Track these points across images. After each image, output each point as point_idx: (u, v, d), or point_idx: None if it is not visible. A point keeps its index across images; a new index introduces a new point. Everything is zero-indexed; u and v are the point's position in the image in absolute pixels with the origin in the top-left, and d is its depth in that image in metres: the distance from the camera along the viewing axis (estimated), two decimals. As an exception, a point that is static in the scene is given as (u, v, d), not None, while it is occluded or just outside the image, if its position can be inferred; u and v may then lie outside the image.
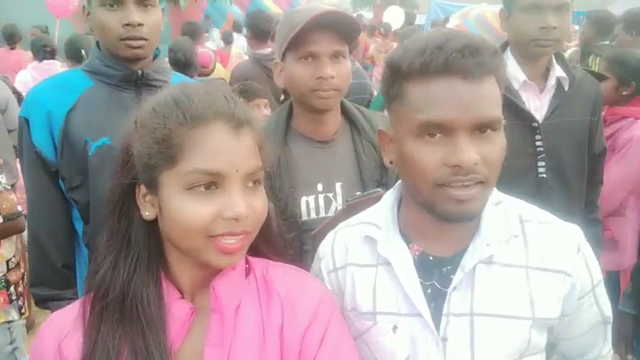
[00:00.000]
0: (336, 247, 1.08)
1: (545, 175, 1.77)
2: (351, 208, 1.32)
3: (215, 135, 0.81)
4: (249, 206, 0.82)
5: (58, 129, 1.49)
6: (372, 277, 1.01)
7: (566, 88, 1.80)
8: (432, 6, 12.95)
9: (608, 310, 1.03)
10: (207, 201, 0.80)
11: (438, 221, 0.93)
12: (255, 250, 0.98)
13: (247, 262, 0.95)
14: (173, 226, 0.83)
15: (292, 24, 1.39)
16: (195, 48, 4.24)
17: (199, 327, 0.87)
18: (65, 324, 0.88)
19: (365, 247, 1.03)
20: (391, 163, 0.99)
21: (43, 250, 1.57)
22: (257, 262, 0.97)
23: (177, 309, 0.86)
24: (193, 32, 5.49)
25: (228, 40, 7.19)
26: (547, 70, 1.81)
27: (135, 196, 0.87)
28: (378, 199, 1.26)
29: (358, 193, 1.41)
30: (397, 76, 0.90)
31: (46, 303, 1.59)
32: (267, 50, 4.19)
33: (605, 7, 5.50)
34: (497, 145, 0.88)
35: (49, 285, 1.58)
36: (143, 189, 0.85)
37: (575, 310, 0.98)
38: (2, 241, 2.13)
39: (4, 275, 2.12)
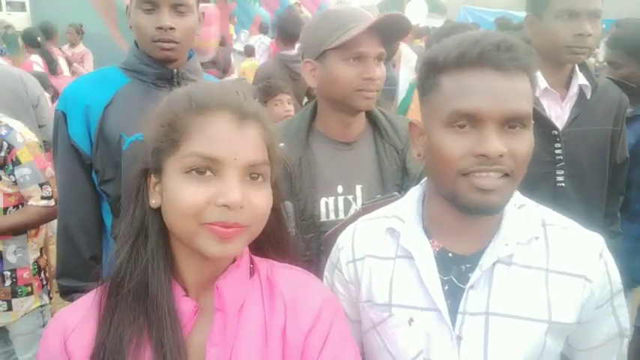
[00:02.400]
0: (357, 239, 1.09)
1: (563, 184, 1.76)
2: (366, 211, 1.31)
3: (217, 122, 0.82)
4: (246, 198, 0.82)
5: (95, 123, 1.55)
6: (389, 269, 1.02)
7: (589, 97, 1.78)
8: (462, 11, 12.87)
9: (625, 322, 1.00)
10: (202, 185, 0.81)
11: (461, 216, 0.95)
12: (261, 251, 0.99)
13: (252, 262, 0.95)
14: (169, 211, 0.83)
15: (339, 24, 1.40)
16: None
17: (202, 326, 0.87)
18: (72, 319, 0.88)
19: (385, 240, 1.05)
20: (419, 155, 1.01)
21: (72, 241, 1.62)
22: (262, 263, 0.97)
23: (181, 306, 0.86)
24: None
25: (250, 53, 7.32)
26: (570, 78, 1.80)
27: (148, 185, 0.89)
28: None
29: (379, 196, 1.42)
30: (433, 68, 0.93)
31: (70, 295, 1.62)
32: (292, 52, 4.23)
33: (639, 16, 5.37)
34: (525, 141, 0.89)
35: (76, 277, 1.62)
36: (154, 178, 0.87)
37: (591, 319, 0.96)
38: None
39: (36, 261, 2.20)
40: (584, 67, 1.82)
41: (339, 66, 1.42)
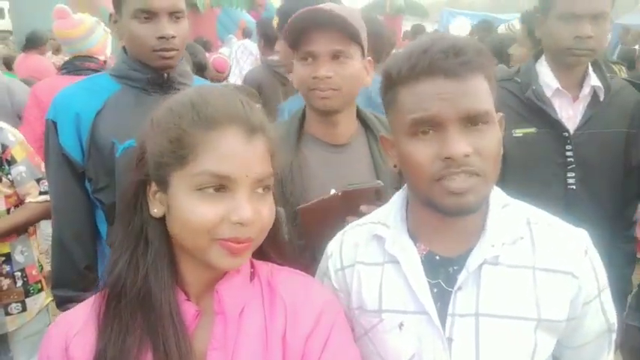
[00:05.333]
0: (345, 246, 1.10)
1: (574, 187, 1.73)
2: (346, 196, 1.30)
3: (228, 138, 0.81)
4: (256, 213, 0.83)
5: (86, 131, 1.52)
6: (378, 275, 1.02)
7: (602, 98, 1.75)
8: (444, 14, 13.00)
9: (613, 317, 1.02)
10: (214, 203, 0.80)
11: (443, 218, 0.96)
12: (263, 254, 0.98)
13: (252, 266, 0.95)
14: (180, 226, 0.83)
15: (291, 25, 1.39)
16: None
17: (203, 330, 0.87)
18: (74, 324, 0.88)
19: (373, 246, 1.06)
20: (395, 166, 1.02)
21: (67, 251, 1.60)
22: (262, 266, 0.97)
23: (183, 311, 0.86)
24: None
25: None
26: (583, 79, 1.76)
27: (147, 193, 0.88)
28: (377, 192, 1.28)
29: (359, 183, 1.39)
30: (390, 82, 0.95)
31: (66, 305, 1.58)
32: (277, 57, 4.25)
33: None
34: (490, 138, 0.90)
35: (71, 286, 1.60)
36: (154, 186, 0.86)
37: (580, 317, 0.97)
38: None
39: (38, 258, 2.20)
40: (598, 68, 1.79)
41: (297, 66, 1.42)
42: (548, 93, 1.75)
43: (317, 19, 1.35)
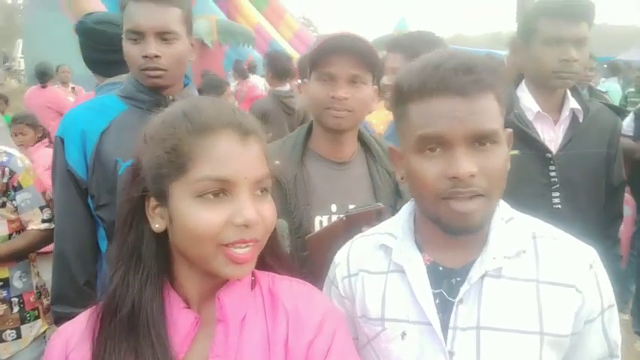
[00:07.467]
0: (352, 255, 1.11)
1: (560, 206, 1.77)
2: (350, 220, 1.36)
3: (223, 143, 0.82)
4: (259, 213, 0.84)
5: (91, 148, 1.57)
6: (382, 284, 1.03)
7: (581, 120, 1.82)
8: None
9: (616, 339, 0.98)
10: (217, 208, 0.81)
11: (447, 234, 0.96)
12: (264, 265, 0.99)
13: (253, 274, 0.95)
14: (184, 235, 0.83)
15: (316, 46, 1.50)
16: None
17: (205, 337, 0.87)
18: (73, 336, 0.89)
19: (378, 255, 1.06)
20: (402, 178, 1.02)
21: (67, 266, 1.62)
22: (263, 275, 0.97)
23: (181, 318, 0.86)
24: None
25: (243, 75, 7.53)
26: (562, 102, 1.84)
27: (144, 210, 0.88)
28: (378, 213, 1.32)
29: (353, 206, 1.44)
30: (400, 96, 0.95)
31: (64, 322, 1.60)
32: (285, 87, 4.36)
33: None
34: (497, 157, 0.90)
35: (70, 303, 1.61)
36: (153, 201, 0.86)
37: (582, 335, 0.95)
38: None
39: (36, 285, 2.19)
40: (576, 92, 1.86)
41: (314, 84, 1.51)
42: (530, 117, 1.82)
43: (340, 44, 1.46)
